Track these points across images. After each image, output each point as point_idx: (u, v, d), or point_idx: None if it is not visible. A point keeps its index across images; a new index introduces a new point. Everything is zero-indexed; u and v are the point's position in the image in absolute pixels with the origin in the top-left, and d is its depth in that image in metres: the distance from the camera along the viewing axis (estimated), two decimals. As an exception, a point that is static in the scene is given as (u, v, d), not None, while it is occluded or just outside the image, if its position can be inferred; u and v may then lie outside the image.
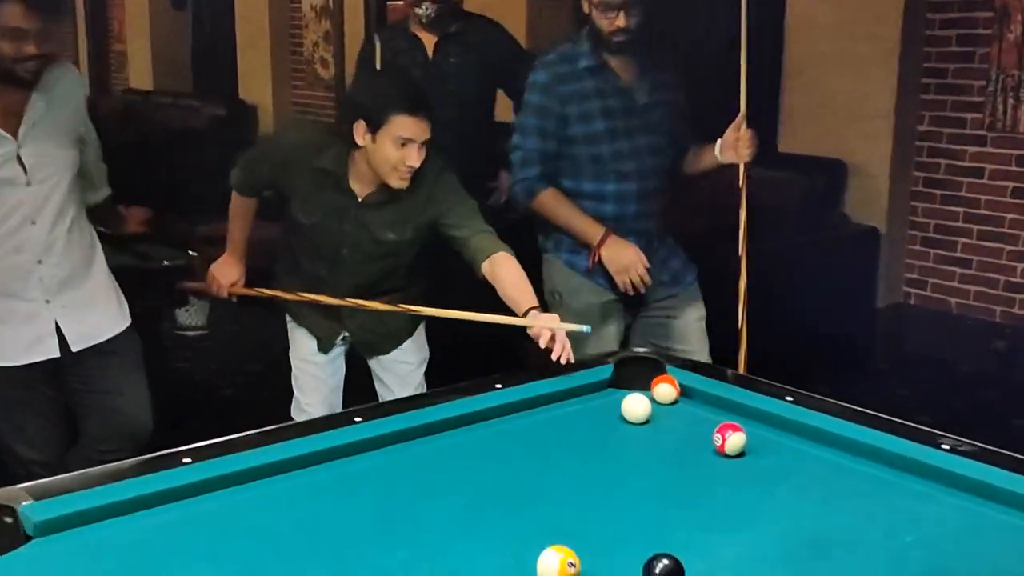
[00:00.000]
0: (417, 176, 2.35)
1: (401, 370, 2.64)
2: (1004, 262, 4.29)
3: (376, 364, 2.67)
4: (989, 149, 4.25)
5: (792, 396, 1.91)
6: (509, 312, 2.25)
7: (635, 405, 1.88)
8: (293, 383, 2.64)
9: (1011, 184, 4.23)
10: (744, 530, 1.47)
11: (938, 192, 4.45)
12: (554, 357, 2.09)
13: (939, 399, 3.65)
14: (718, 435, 1.73)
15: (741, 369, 2.67)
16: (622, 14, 2.55)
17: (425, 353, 2.67)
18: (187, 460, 1.58)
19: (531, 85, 2.67)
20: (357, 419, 1.76)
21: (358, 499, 1.56)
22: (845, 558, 1.38)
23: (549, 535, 1.35)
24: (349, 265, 2.49)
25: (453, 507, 1.53)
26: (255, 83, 7.52)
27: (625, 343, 2.74)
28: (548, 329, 2.12)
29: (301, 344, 2.63)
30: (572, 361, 2.09)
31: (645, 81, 2.70)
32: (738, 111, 2.69)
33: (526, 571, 1.30)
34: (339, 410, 2.55)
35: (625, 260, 2.63)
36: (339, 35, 7.34)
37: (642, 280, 2.64)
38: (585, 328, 2.14)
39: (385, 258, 2.49)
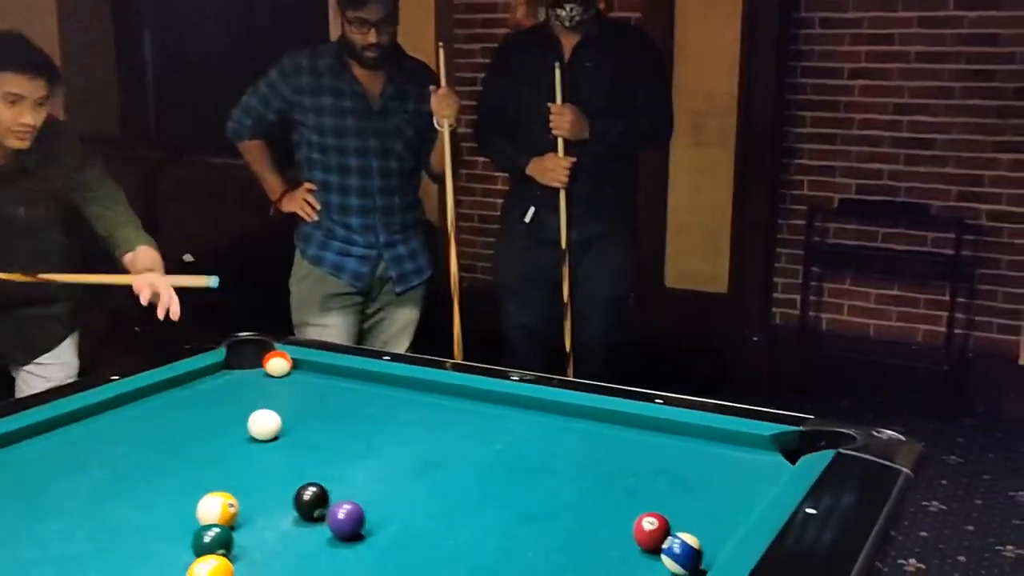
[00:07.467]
0: (54, 150, 2.28)
1: (39, 384, 2.52)
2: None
3: (18, 377, 2.56)
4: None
5: (389, 356, 2.23)
6: None
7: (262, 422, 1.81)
8: None
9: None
10: (368, 459, 1.74)
11: (478, 187, 5.12)
12: (160, 314, 2.19)
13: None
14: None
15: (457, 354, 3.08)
16: (374, 31, 2.81)
17: (71, 368, 2.62)
18: None
19: (275, 66, 2.97)
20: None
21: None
22: (453, 467, 1.71)
23: (200, 491, 1.47)
24: None
25: (96, 481, 1.62)
26: None
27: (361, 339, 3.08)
28: (150, 285, 2.21)
29: None
30: (176, 316, 2.20)
31: (387, 90, 2.93)
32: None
33: (185, 519, 1.43)
34: None
35: (295, 203, 3.04)
36: None
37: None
38: (212, 281, 2.23)
39: (19, 239, 2.32)
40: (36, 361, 2.58)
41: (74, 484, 1.61)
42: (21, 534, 1.44)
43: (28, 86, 2.20)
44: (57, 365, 2.59)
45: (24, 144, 2.27)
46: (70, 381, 2.55)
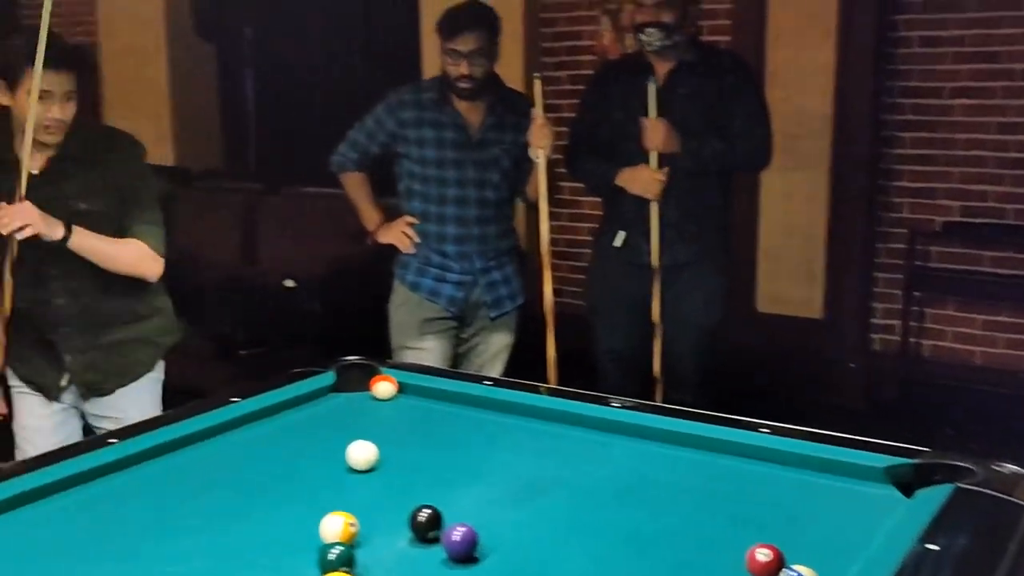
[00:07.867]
0: (110, 141, 2.35)
1: (118, 416, 2.49)
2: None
3: (95, 412, 2.56)
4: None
5: (491, 381, 2.27)
6: None
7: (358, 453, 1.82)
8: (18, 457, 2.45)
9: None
10: (474, 483, 1.77)
11: (564, 211, 5.14)
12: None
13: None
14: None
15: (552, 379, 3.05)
16: (465, 63, 2.91)
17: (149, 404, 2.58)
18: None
19: (382, 102, 3.10)
20: (112, 440, 1.84)
21: (132, 507, 1.67)
22: (558, 493, 1.73)
23: (323, 508, 1.53)
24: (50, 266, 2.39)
25: (222, 499, 1.69)
26: None
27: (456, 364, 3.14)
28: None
29: (22, 405, 2.49)
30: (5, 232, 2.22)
31: (487, 120, 3.02)
32: None
33: (308, 537, 1.48)
34: None
35: (392, 234, 3.13)
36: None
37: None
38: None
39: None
40: (117, 416, 2.49)
41: (202, 502, 1.68)
42: (154, 551, 1.50)
43: (55, 81, 2.26)
44: (142, 391, 2.58)
45: (55, 138, 2.34)
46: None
